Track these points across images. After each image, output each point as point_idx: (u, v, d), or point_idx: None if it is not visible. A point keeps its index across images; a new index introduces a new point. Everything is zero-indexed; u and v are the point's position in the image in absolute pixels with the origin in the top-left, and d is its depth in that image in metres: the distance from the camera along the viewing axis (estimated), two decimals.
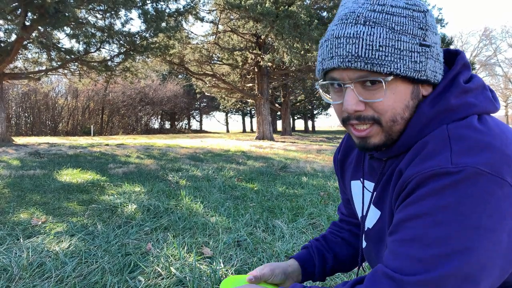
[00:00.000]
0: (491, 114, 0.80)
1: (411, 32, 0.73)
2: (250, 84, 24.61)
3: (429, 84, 0.79)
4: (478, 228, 0.64)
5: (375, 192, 0.91)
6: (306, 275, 1.12)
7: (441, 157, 0.69)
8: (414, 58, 0.73)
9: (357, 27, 0.73)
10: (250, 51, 21.20)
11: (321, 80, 0.84)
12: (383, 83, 0.74)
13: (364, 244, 1.02)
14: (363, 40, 0.72)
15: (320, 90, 0.86)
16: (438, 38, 0.79)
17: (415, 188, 0.71)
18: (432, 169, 0.68)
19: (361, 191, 0.99)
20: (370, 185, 0.95)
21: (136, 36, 15.05)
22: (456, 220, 0.65)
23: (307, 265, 1.12)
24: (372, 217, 0.93)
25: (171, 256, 2.55)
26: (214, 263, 2.41)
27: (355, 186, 1.03)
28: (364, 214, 0.98)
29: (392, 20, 0.73)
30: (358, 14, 0.74)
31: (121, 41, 15.19)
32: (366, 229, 0.98)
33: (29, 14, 12.51)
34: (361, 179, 0.99)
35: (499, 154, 0.67)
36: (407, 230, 0.70)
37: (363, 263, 1.17)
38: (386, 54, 0.72)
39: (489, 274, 0.66)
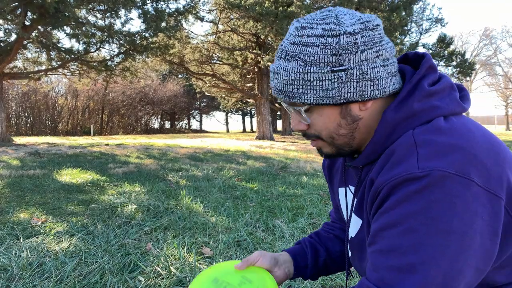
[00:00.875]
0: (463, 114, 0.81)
1: (323, 61, 0.75)
2: (250, 84, 24.61)
3: (364, 101, 0.79)
4: (449, 232, 0.65)
5: (355, 200, 0.93)
6: (298, 269, 1.11)
7: (408, 162, 0.70)
8: (326, 86, 0.76)
9: (279, 62, 0.81)
10: (250, 50, 21.18)
11: None
12: (301, 111, 0.82)
13: (349, 253, 1.02)
14: (281, 75, 0.80)
15: (286, 109, 0.93)
16: (369, 55, 0.76)
17: (386, 196, 0.72)
18: (400, 176, 0.69)
19: (345, 198, 1.01)
20: (353, 190, 0.97)
21: (136, 35, 15.04)
22: (426, 225, 0.66)
23: (299, 259, 1.12)
24: (355, 226, 0.94)
25: (171, 256, 2.55)
26: (214, 263, 2.41)
27: (341, 193, 1.04)
28: (347, 221, 0.99)
29: (306, 52, 0.76)
30: (283, 48, 0.81)
31: (121, 41, 15.18)
32: (349, 238, 0.98)
33: (29, 14, 12.51)
34: (346, 187, 1.00)
35: (465, 154, 0.68)
36: (383, 241, 0.71)
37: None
38: (298, 87, 0.78)
39: (465, 276, 0.67)
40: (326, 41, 0.75)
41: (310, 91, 0.77)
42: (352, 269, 1.08)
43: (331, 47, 0.74)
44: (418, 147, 0.71)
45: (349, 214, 0.97)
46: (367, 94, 0.77)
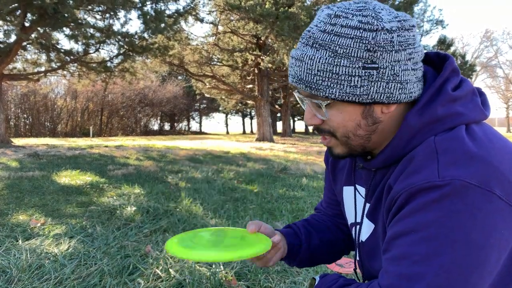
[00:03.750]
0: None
1: (355, 55, 0.71)
2: (250, 86, 24.61)
3: (391, 104, 0.76)
4: (466, 245, 0.63)
5: (367, 204, 0.90)
6: (292, 247, 1.06)
7: (428, 170, 0.67)
8: (354, 82, 0.72)
9: (305, 48, 0.75)
10: (250, 52, 21.19)
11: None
12: (322, 106, 0.77)
13: (357, 256, 1.00)
14: (305, 63, 0.74)
15: (298, 100, 0.89)
16: (402, 56, 0.72)
17: (404, 204, 0.70)
18: (419, 184, 0.67)
19: (353, 197, 0.97)
20: (362, 190, 0.94)
21: (135, 37, 15.03)
22: (443, 236, 0.63)
23: (292, 237, 1.07)
24: (367, 230, 0.91)
25: (171, 258, 2.53)
26: (213, 266, 2.39)
27: (347, 192, 1.01)
28: (356, 221, 0.96)
29: (337, 42, 0.71)
30: (310, 35, 0.75)
31: (120, 42, 15.18)
32: (360, 241, 0.95)
33: (29, 15, 12.50)
34: (354, 186, 0.97)
35: (487, 165, 0.65)
36: (396, 248, 0.70)
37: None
38: (323, 79, 0.73)
39: None
40: (362, 34, 0.70)
41: (337, 85, 0.72)
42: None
43: (367, 42, 0.70)
44: (439, 155, 0.68)
45: (360, 217, 0.94)
46: (394, 97, 0.74)
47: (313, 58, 0.73)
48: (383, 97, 0.73)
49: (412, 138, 0.75)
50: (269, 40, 19.46)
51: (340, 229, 1.16)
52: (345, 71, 0.71)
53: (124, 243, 2.82)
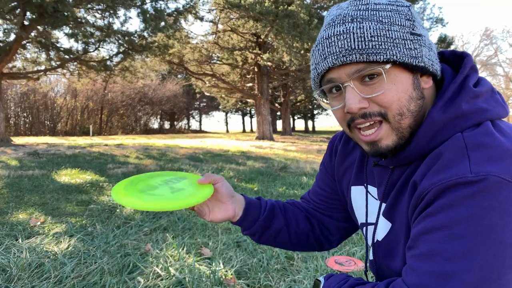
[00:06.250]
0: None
1: (399, 23, 0.74)
2: (250, 84, 24.59)
3: (428, 76, 0.77)
4: (499, 243, 0.61)
5: (383, 203, 0.88)
6: (246, 217, 1.02)
7: (459, 166, 0.66)
8: (408, 45, 0.73)
9: (345, 25, 0.74)
10: (250, 50, 21.18)
11: (318, 87, 0.83)
12: (383, 72, 0.72)
13: (371, 256, 0.96)
14: (354, 34, 0.72)
15: (319, 99, 0.85)
16: (426, 33, 0.78)
17: (433, 200, 0.68)
18: (450, 179, 0.65)
19: (365, 198, 0.95)
20: (373, 191, 0.92)
21: (135, 35, 15.03)
22: (476, 233, 0.62)
23: (252, 208, 1.04)
24: (383, 229, 0.89)
25: (171, 256, 2.53)
26: (213, 264, 2.39)
27: (356, 191, 0.99)
28: (367, 222, 0.94)
29: (379, 14, 0.74)
30: (345, 15, 0.75)
31: (120, 41, 15.17)
32: (375, 241, 0.93)
33: (28, 13, 12.49)
34: (365, 185, 0.95)
35: None
36: (425, 244, 0.67)
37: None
38: (380, 43, 0.71)
39: None
40: (397, 8, 0.75)
41: (395, 47, 0.72)
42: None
43: (404, 13, 0.75)
44: (469, 151, 0.67)
45: (375, 217, 0.91)
46: (435, 66, 0.77)
47: (361, 27, 0.72)
48: (429, 64, 0.76)
49: (437, 134, 0.74)
50: (269, 38, 19.46)
51: (311, 223, 1.12)
52: (398, 35, 0.73)
53: (124, 242, 2.82)
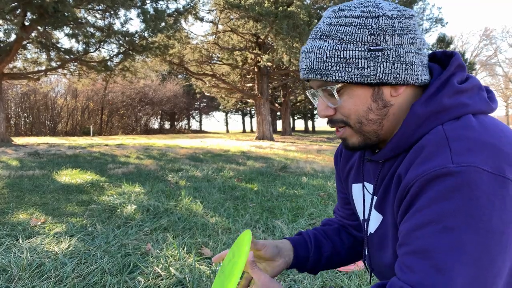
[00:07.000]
0: (489, 114, 0.79)
1: (360, 40, 0.76)
2: (250, 84, 24.61)
3: (398, 85, 0.79)
4: (488, 232, 0.63)
5: (375, 196, 0.90)
6: (298, 259, 1.08)
7: (441, 157, 0.68)
8: (361, 64, 0.76)
9: (314, 42, 0.81)
10: (250, 51, 21.19)
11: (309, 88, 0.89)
12: (333, 91, 0.80)
13: (366, 250, 0.99)
14: (314, 54, 0.80)
15: (310, 97, 0.93)
16: (405, 40, 0.77)
17: (418, 192, 0.70)
18: (433, 170, 0.67)
19: (362, 194, 0.98)
20: (369, 187, 0.95)
21: (135, 36, 15.04)
22: (466, 224, 0.64)
23: (299, 248, 1.09)
24: (374, 221, 0.92)
25: (171, 256, 2.54)
26: (213, 264, 2.40)
27: (356, 189, 1.02)
28: (365, 217, 0.97)
29: (343, 31, 0.77)
30: (318, 30, 0.81)
31: (120, 41, 15.18)
32: (368, 234, 0.96)
33: (29, 14, 12.50)
34: (363, 183, 0.98)
35: (498, 152, 0.66)
36: (418, 241, 0.68)
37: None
38: (332, 65, 0.78)
39: (501, 277, 0.65)
40: (364, 21, 0.76)
41: (345, 69, 0.77)
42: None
43: (370, 27, 0.76)
44: (450, 142, 0.69)
45: (368, 210, 0.94)
46: (401, 77, 0.77)
47: (321, 47, 0.78)
48: (390, 78, 0.77)
49: (419, 127, 0.77)
50: (269, 38, 19.46)
51: (349, 233, 1.16)
52: (352, 55, 0.76)
53: (124, 242, 2.82)
